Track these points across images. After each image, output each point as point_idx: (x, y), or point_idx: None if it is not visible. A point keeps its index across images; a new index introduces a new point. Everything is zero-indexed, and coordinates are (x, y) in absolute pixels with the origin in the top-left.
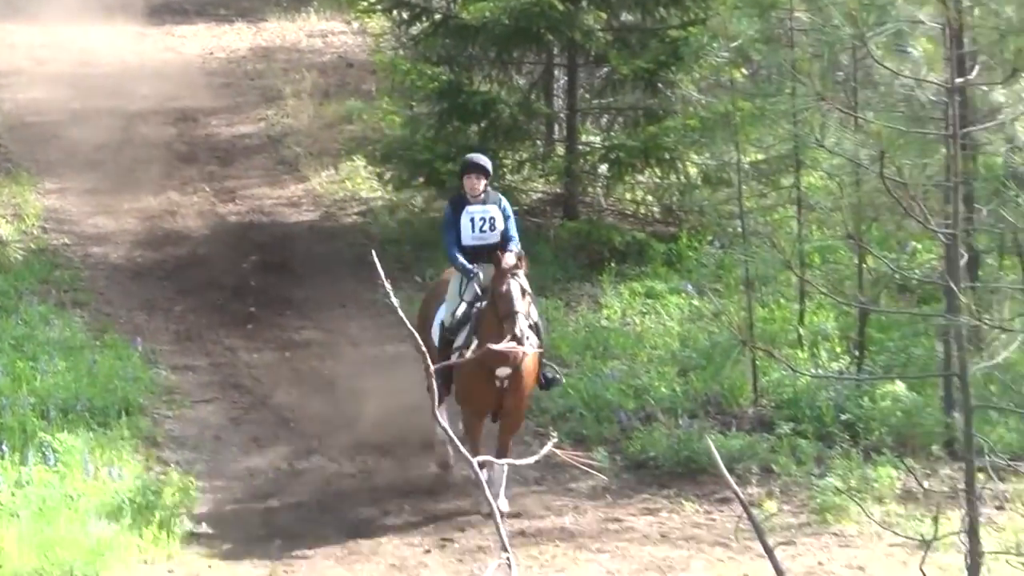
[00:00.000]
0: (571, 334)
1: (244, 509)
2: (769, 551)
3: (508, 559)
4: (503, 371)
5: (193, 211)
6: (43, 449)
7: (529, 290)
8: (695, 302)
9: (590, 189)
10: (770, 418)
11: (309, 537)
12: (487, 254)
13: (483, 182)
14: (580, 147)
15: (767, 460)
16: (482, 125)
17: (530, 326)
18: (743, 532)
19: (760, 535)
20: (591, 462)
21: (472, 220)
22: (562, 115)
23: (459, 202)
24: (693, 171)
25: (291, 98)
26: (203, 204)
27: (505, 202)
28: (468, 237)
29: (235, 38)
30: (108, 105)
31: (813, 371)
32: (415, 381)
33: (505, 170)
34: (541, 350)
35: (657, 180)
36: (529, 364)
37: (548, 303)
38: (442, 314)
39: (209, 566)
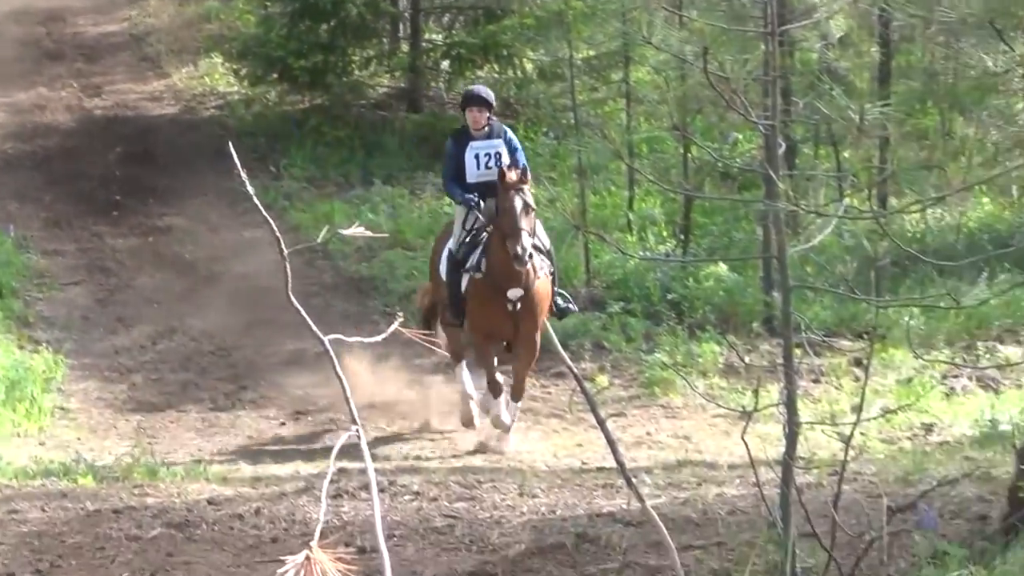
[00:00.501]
0: (416, 220)
1: (110, 385)
2: (601, 422)
3: (357, 430)
4: (514, 292)
5: (61, 106)
6: None
7: (534, 207)
8: (532, 190)
9: (433, 84)
10: (602, 298)
11: (171, 411)
12: (491, 192)
13: (486, 115)
14: (424, 44)
15: (599, 337)
16: (332, 24)
17: (539, 249)
18: (577, 404)
19: (592, 407)
20: (434, 340)
21: (477, 157)
22: (407, 14)
23: (462, 137)
24: (529, 67)
25: None
26: (71, 99)
27: (511, 134)
28: (473, 174)
29: None
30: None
31: (642, 253)
32: (270, 263)
33: (353, 66)
34: (552, 273)
35: (496, 75)
36: (542, 288)
37: (394, 191)
38: (450, 245)
39: (78, 438)
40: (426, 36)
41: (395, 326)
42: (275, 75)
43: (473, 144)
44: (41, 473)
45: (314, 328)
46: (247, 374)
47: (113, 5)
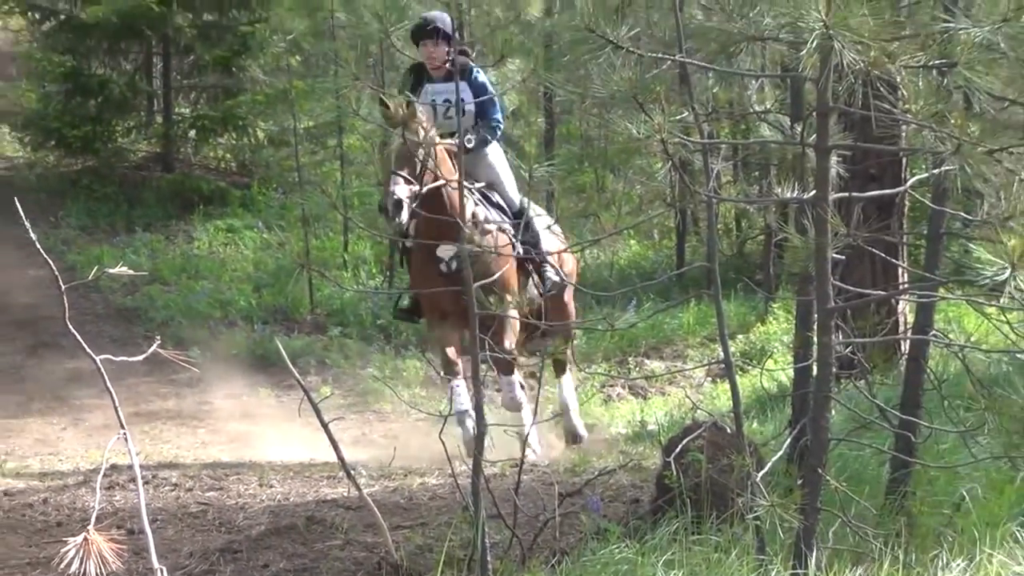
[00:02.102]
0: (170, 261)
1: None
2: (324, 425)
3: (125, 434)
4: (445, 250)
5: None
6: None
7: (428, 148)
8: (265, 235)
9: (183, 149)
10: (324, 323)
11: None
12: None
13: (443, 49)
14: (175, 117)
15: (322, 356)
16: (99, 100)
17: (487, 200)
18: (305, 411)
19: (317, 412)
20: (188, 359)
21: (434, 103)
22: (160, 92)
23: (418, 74)
24: (261, 135)
25: None
26: None
27: (481, 75)
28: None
29: None
30: None
31: (355, 287)
32: (51, 297)
33: (117, 134)
34: (491, 223)
35: (234, 142)
36: (496, 241)
37: (152, 237)
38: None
39: None
40: (176, 110)
41: (154, 347)
42: (53, 142)
43: (430, 87)
44: None
45: (87, 349)
46: (34, 388)
47: None
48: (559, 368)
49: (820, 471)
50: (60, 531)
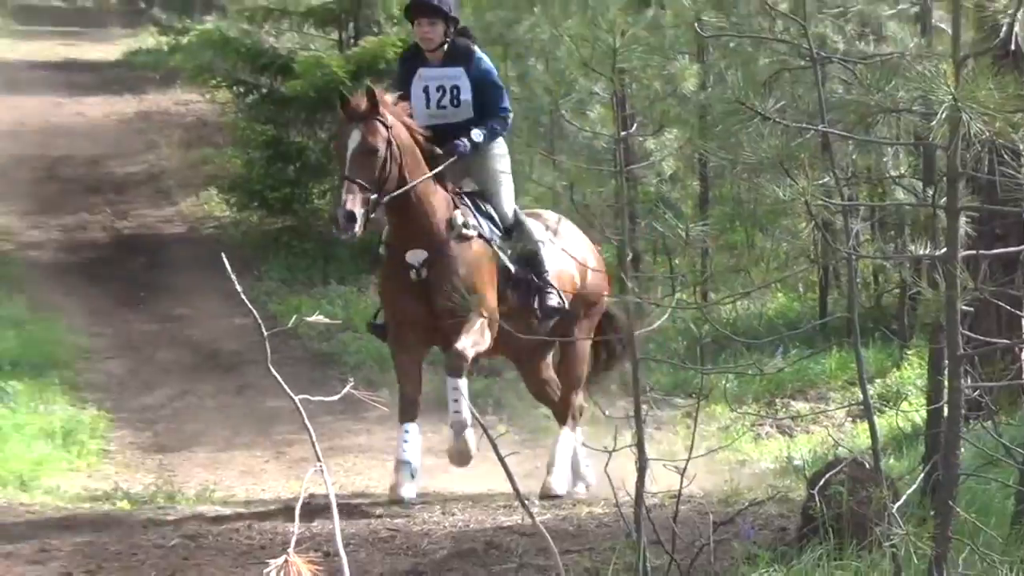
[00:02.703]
0: (362, 310)
1: (140, 433)
2: (501, 459)
3: (321, 466)
4: (414, 256)
5: (98, 226)
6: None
7: (400, 141)
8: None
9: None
10: (500, 367)
11: (185, 452)
12: (452, 138)
13: (440, 28)
14: None
15: (499, 397)
16: (297, 165)
17: (470, 201)
18: (483, 446)
19: (494, 448)
20: (378, 399)
21: (427, 90)
22: None
23: (412, 58)
24: None
25: (165, 147)
26: (105, 221)
27: (485, 61)
28: (424, 115)
29: (125, 105)
30: (37, 153)
31: (527, 335)
32: (255, 343)
33: (313, 196)
34: (472, 233)
35: None
36: (469, 252)
37: (346, 289)
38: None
39: (116, 472)
40: None
41: (347, 388)
42: (256, 203)
43: (424, 72)
44: (89, 499)
45: (288, 390)
46: (240, 425)
47: (136, 152)
48: (559, 418)
49: (951, 503)
50: (263, 553)
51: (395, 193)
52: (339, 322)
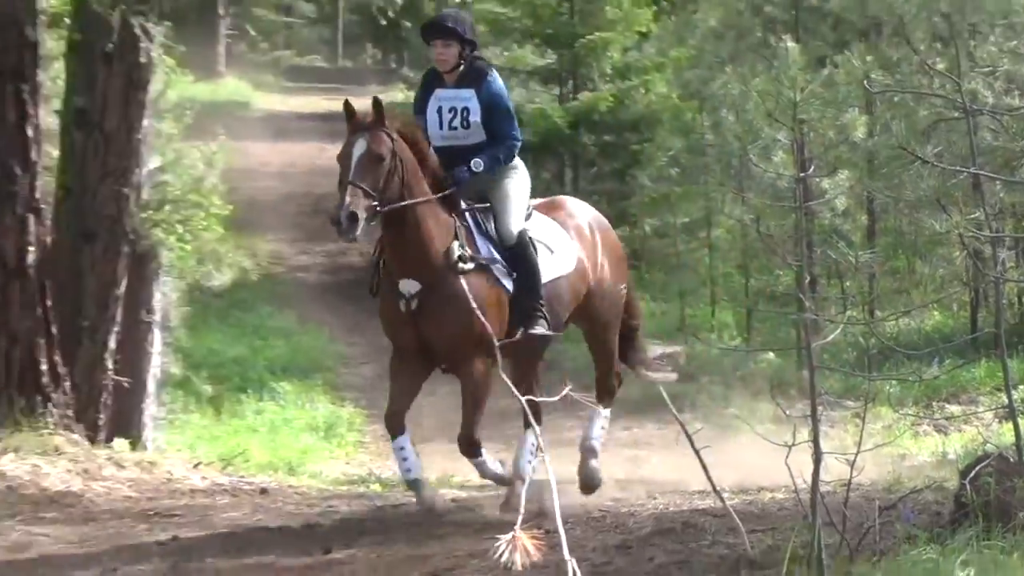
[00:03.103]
0: None
1: None
2: (696, 452)
3: (545, 457)
4: (406, 285)
5: (355, 252)
6: (272, 392)
7: (387, 155)
8: (651, 305)
9: None
10: (696, 373)
11: (427, 443)
12: (463, 161)
13: (454, 50)
14: None
15: (695, 399)
16: None
17: (478, 228)
18: (682, 442)
19: (691, 442)
20: (591, 400)
21: (440, 111)
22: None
23: (431, 80)
24: (648, 228)
25: None
26: (360, 248)
27: (496, 83)
28: (438, 136)
29: None
30: (304, 191)
31: (720, 346)
32: None
33: None
34: (469, 265)
35: (626, 234)
36: (462, 290)
37: None
38: None
39: (369, 460)
40: None
41: (565, 391)
42: None
43: (439, 93)
44: (347, 482)
45: (515, 391)
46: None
47: None
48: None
49: None
50: (494, 530)
51: (395, 205)
52: (560, 333)
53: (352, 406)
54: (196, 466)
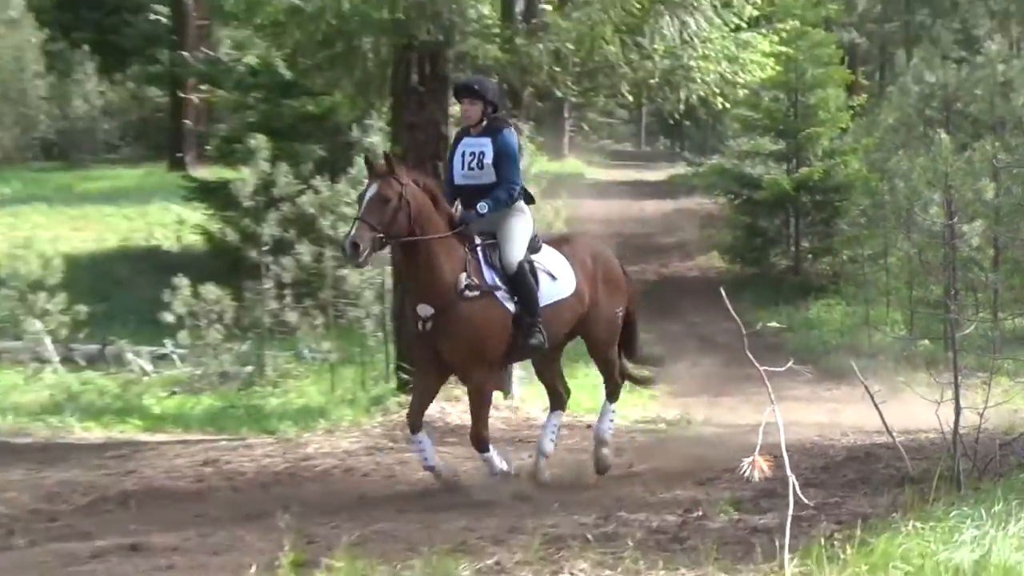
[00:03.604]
0: (799, 320)
1: (671, 386)
2: (876, 405)
3: (775, 408)
4: (422, 309)
5: (652, 272)
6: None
7: (398, 199)
8: (848, 308)
9: (804, 265)
10: (876, 353)
11: (695, 396)
12: (479, 198)
13: (478, 107)
14: (802, 248)
15: (877, 370)
16: (760, 240)
17: (485, 259)
18: (864, 397)
19: (872, 399)
20: (808, 371)
21: (463, 155)
22: (793, 235)
23: (462, 132)
24: (845, 257)
25: (688, 228)
26: (655, 269)
27: (509, 135)
28: (459, 176)
29: (667, 206)
30: (618, 231)
31: (892, 336)
32: (736, 336)
33: (769, 256)
34: (475, 293)
35: (830, 259)
36: (469, 310)
37: (789, 308)
38: None
39: (659, 408)
40: (803, 244)
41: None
42: (738, 259)
43: (465, 141)
44: (643, 421)
45: (755, 362)
46: (726, 384)
47: (672, 230)
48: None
49: None
50: (739, 455)
51: (403, 239)
52: (784, 326)
53: (647, 371)
54: (545, 409)
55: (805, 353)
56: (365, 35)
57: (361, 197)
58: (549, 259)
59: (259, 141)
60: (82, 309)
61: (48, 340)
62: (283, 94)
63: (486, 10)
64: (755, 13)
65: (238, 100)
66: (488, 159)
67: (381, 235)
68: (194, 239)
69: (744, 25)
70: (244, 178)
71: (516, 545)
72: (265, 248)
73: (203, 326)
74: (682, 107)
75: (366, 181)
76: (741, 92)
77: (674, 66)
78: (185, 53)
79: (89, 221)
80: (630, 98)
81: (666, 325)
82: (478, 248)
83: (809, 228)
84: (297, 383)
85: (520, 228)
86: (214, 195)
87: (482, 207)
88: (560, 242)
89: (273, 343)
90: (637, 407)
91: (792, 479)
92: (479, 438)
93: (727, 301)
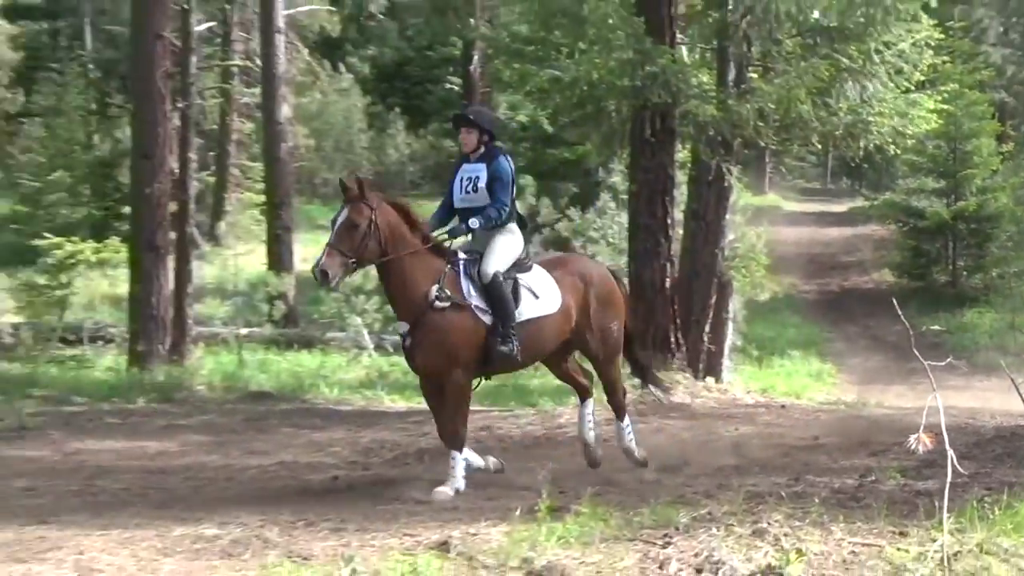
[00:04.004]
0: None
1: (849, 375)
2: (1017, 388)
3: (936, 395)
4: (401, 327)
5: (835, 284)
6: (788, 355)
7: (365, 223)
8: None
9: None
10: None
11: (861, 385)
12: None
13: (474, 135)
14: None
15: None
16: (934, 273)
17: (466, 272)
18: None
19: (1017, 390)
20: (959, 365)
21: (461, 180)
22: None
23: (462, 159)
24: (994, 274)
25: (865, 249)
26: (837, 282)
27: (505, 162)
28: (457, 199)
29: (847, 231)
30: (805, 251)
31: None
32: (905, 337)
33: (934, 271)
34: (445, 304)
35: None
36: (439, 321)
37: (945, 315)
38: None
39: (840, 393)
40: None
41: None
42: (906, 275)
43: (464, 167)
44: (827, 403)
45: (917, 354)
46: (881, 371)
47: (851, 250)
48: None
49: None
50: (906, 432)
51: (374, 261)
52: (943, 329)
53: (830, 363)
54: (748, 392)
55: (961, 351)
56: (610, 99)
57: (332, 222)
58: (536, 279)
59: (527, 181)
60: (390, 308)
61: (365, 332)
62: (546, 144)
63: (705, 78)
64: (921, 78)
65: (512, 149)
66: (482, 183)
67: (352, 259)
68: None
69: (912, 88)
70: None
71: (724, 499)
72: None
73: None
74: (861, 153)
75: (341, 206)
76: (909, 141)
77: (855, 121)
78: None
79: None
80: (819, 146)
81: (846, 327)
82: (460, 262)
83: (964, 250)
84: None
85: (504, 244)
86: None
87: (473, 222)
88: (551, 264)
89: None
90: (821, 392)
91: (950, 452)
92: (455, 435)
93: (897, 308)
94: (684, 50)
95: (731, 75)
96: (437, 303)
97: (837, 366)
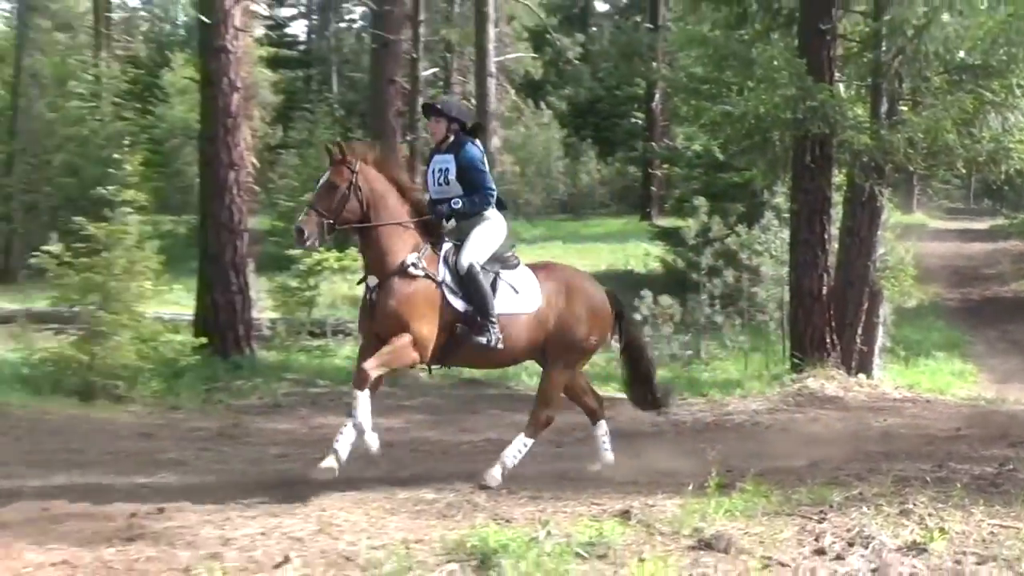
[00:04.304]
0: None
1: (992, 373)
2: None
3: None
4: (371, 280)
5: (975, 294)
6: (930, 354)
7: (368, 185)
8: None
9: None
10: None
11: (1003, 385)
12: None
13: (442, 125)
14: None
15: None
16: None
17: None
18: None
19: None
20: None
21: (433, 172)
22: None
23: (435, 149)
24: None
25: (1003, 262)
26: (981, 292)
27: (471, 149)
28: (432, 191)
29: (989, 247)
30: (949, 263)
31: None
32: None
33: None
34: (418, 272)
35: None
36: (406, 288)
37: None
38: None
39: (982, 390)
40: None
41: None
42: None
43: (435, 157)
44: (975, 399)
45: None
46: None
47: (991, 264)
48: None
49: None
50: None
51: (352, 225)
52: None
53: (971, 364)
54: (896, 388)
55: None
56: (775, 130)
57: (315, 183)
58: (519, 277)
59: (700, 201)
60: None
61: None
62: (717, 169)
63: (859, 111)
64: None
65: (687, 174)
66: (452, 175)
67: (330, 220)
68: (655, 266)
69: None
70: (689, 226)
71: (874, 482)
72: (703, 272)
73: (659, 323)
74: (1002, 176)
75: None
76: None
77: (997, 148)
78: (653, 143)
79: (588, 253)
80: (963, 170)
81: (986, 332)
82: (443, 245)
83: None
84: (721, 363)
85: (483, 234)
86: (670, 237)
87: (455, 202)
88: (539, 267)
89: (706, 336)
90: (963, 389)
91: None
92: (365, 373)
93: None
94: (841, 87)
95: (883, 108)
96: (411, 269)
97: (978, 366)
